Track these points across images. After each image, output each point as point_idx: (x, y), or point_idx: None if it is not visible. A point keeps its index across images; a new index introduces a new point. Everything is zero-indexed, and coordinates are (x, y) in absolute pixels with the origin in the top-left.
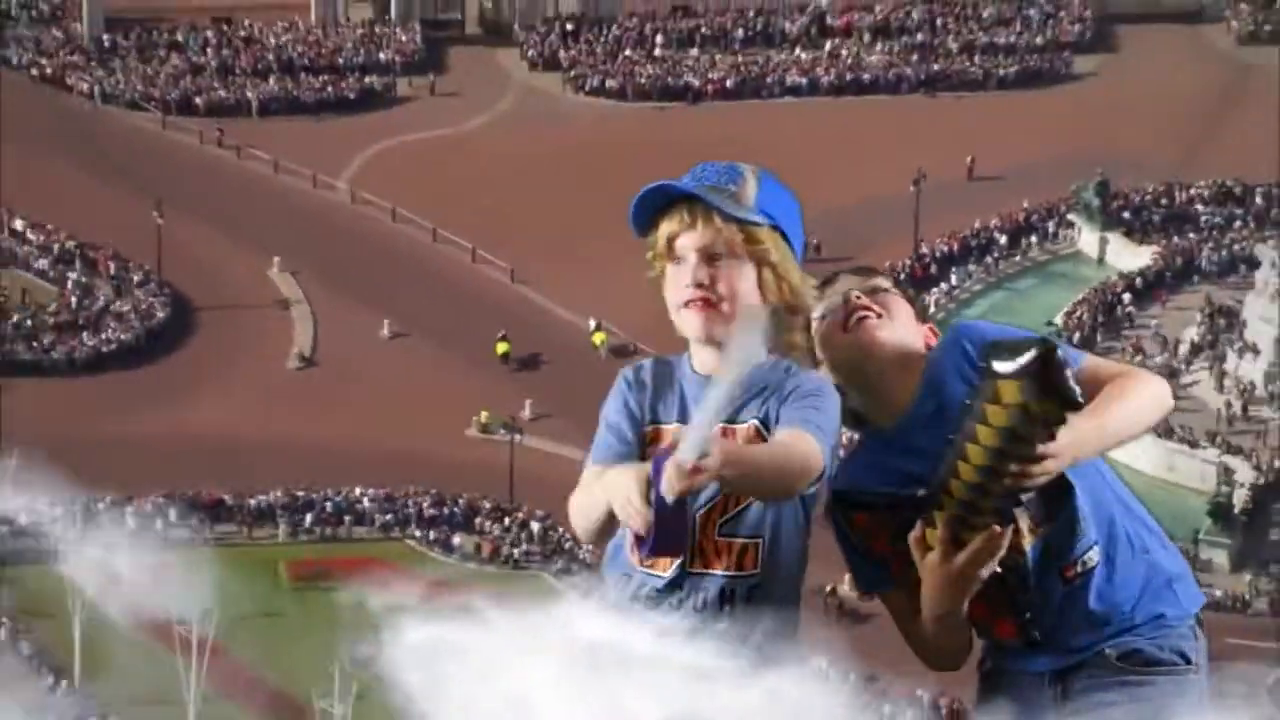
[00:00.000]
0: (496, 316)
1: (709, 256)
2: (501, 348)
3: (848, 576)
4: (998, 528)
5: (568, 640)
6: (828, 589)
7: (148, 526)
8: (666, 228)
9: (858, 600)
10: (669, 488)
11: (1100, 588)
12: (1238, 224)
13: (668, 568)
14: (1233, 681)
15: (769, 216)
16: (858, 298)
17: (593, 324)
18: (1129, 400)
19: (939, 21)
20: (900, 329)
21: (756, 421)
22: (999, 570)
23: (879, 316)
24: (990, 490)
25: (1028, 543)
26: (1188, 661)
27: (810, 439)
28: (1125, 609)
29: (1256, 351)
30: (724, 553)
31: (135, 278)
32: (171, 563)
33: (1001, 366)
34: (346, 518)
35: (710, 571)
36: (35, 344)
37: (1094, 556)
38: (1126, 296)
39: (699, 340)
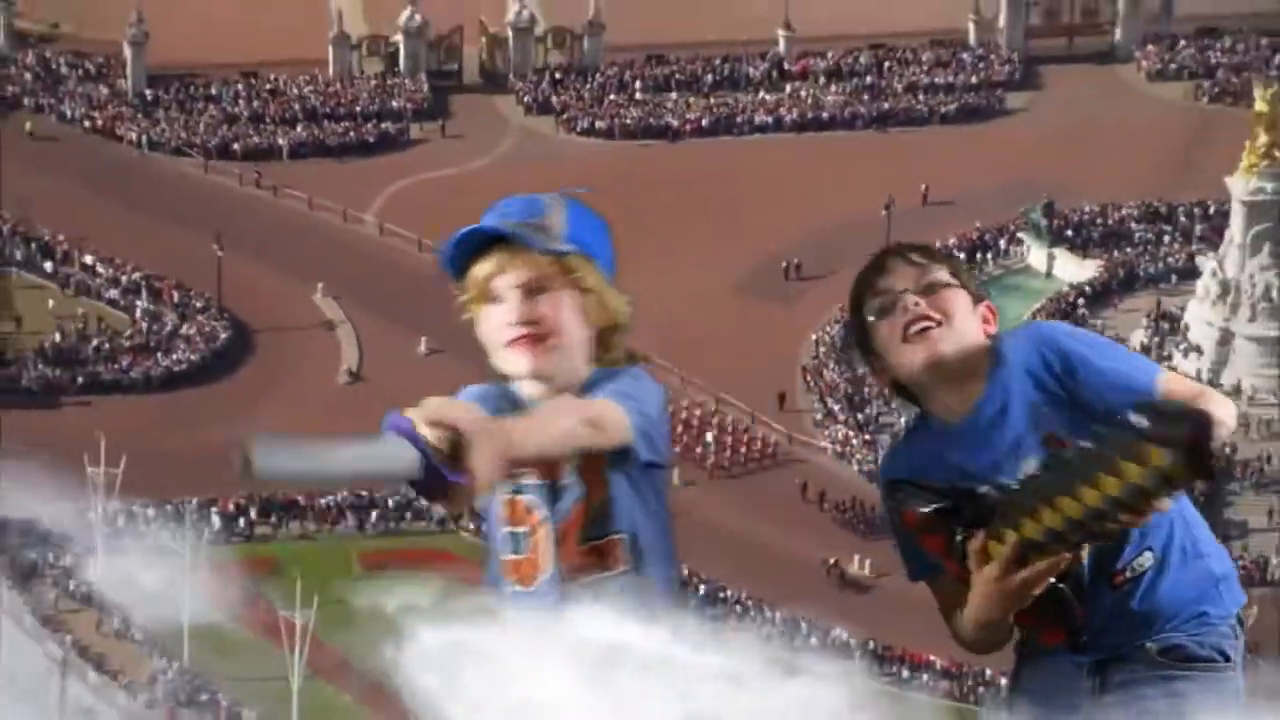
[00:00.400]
0: None
1: (530, 291)
2: None
3: (856, 557)
4: (1068, 554)
5: (585, 641)
6: (831, 562)
7: (230, 526)
8: (482, 269)
9: (862, 576)
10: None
11: (1150, 592)
12: (1167, 239)
13: (532, 582)
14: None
15: (580, 244)
16: (915, 304)
17: None
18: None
19: (884, 65)
20: (962, 332)
21: None
22: (1053, 581)
23: (939, 325)
24: (1088, 529)
25: (1085, 553)
26: (1226, 659)
27: (604, 401)
28: (1172, 611)
29: (1200, 352)
30: (589, 558)
31: (198, 304)
32: (262, 557)
33: (1154, 430)
34: (406, 514)
35: (580, 578)
36: (115, 365)
37: (1145, 561)
38: (1080, 302)
39: (530, 376)
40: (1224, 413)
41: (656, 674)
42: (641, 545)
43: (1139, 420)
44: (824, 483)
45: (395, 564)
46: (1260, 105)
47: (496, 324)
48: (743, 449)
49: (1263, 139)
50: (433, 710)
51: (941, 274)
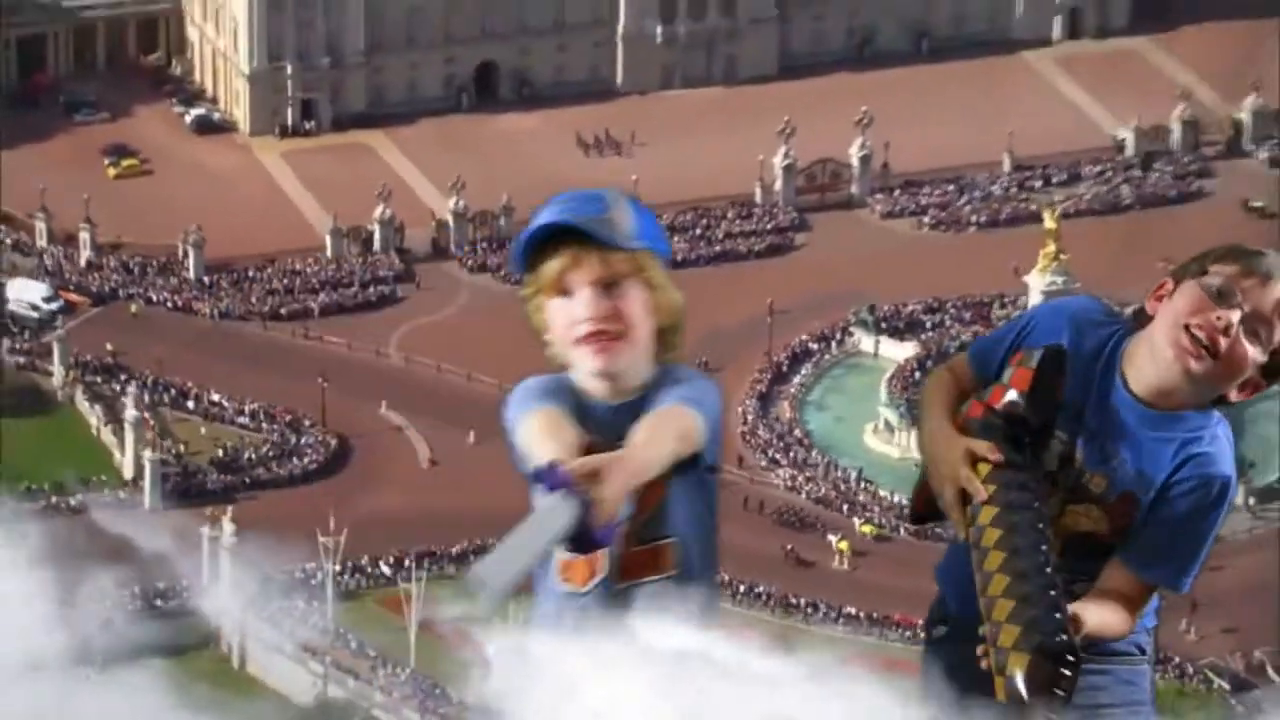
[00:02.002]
0: None
1: (603, 287)
2: None
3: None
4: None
5: (650, 651)
6: (788, 548)
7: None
8: (556, 263)
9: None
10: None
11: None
12: (956, 324)
13: (586, 583)
14: None
15: (648, 239)
16: (1227, 329)
17: None
18: (1117, 623)
19: (704, 220)
20: (1219, 381)
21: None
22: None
23: (1213, 357)
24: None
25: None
26: (1143, 653)
27: (685, 410)
28: None
29: None
30: (641, 560)
31: (306, 422)
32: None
33: (1019, 684)
34: None
35: (633, 581)
36: (265, 469)
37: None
38: (917, 373)
39: (600, 374)
40: (1121, 630)
41: (731, 679)
42: (691, 549)
43: (1031, 673)
44: (759, 498)
45: None
46: (1049, 223)
47: (569, 318)
48: None
49: (1051, 247)
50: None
51: (1274, 339)
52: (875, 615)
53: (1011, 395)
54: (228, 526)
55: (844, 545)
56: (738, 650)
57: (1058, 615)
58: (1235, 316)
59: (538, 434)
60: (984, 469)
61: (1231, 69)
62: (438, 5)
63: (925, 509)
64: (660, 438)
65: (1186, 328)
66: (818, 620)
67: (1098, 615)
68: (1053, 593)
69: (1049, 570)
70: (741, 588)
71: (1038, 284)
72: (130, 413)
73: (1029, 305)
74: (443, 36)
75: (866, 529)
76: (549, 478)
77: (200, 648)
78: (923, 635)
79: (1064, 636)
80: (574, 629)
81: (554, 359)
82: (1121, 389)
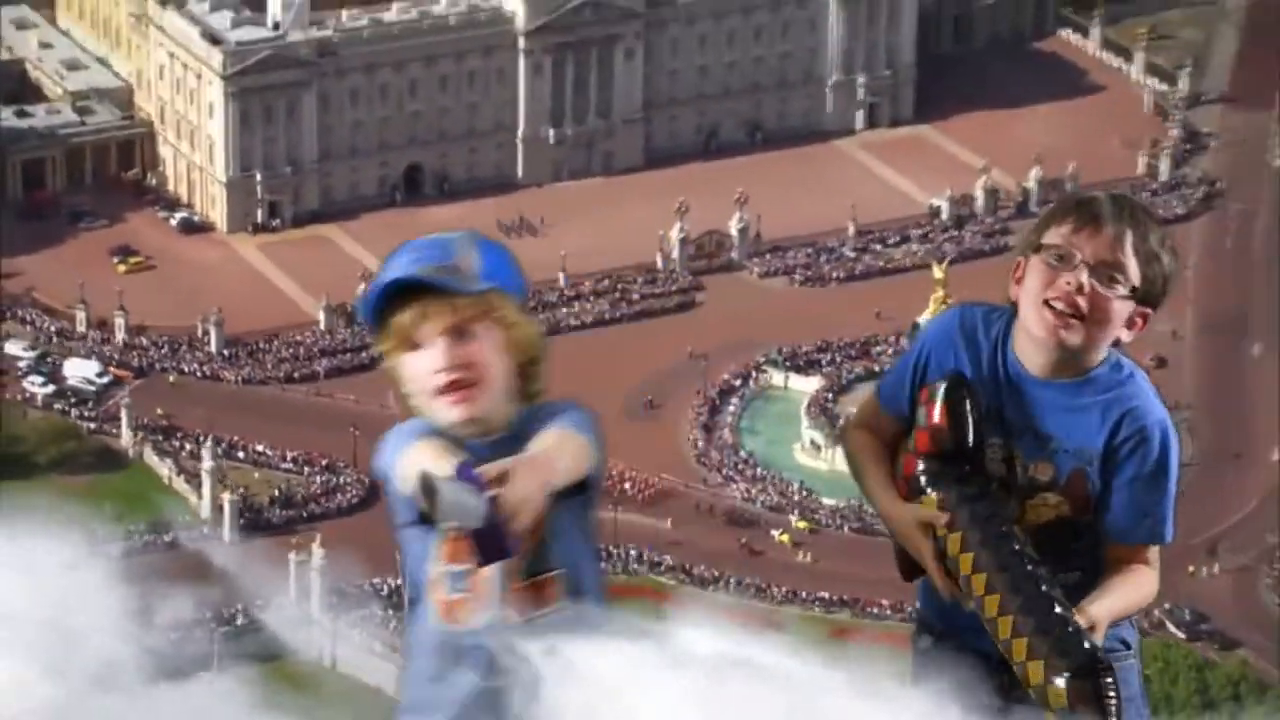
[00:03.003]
0: None
1: (454, 335)
2: None
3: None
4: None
5: (686, 656)
6: (743, 541)
7: None
8: (405, 317)
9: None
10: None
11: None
12: (846, 361)
13: (466, 622)
14: None
15: (496, 280)
16: (1080, 289)
17: None
18: (1136, 597)
19: (619, 286)
20: (1095, 339)
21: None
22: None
23: (1083, 318)
24: (981, 619)
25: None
26: (1128, 647)
27: (572, 432)
28: (1075, 600)
29: None
30: (527, 594)
31: (341, 464)
32: None
33: (1067, 692)
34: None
35: (518, 615)
36: (316, 504)
37: (1072, 577)
38: (828, 398)
39: (461, 424)
40: (1151, 590)
41: (770, 687)
42: (579, 578)
43: (1075, 675)
44: (710, 503)
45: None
46: (937, 274)
47: (423, 371)
48: (652, 490)
49: (940, 293)
50: None
51: (1130, 273)
52: (821, 594)
53: (933, 433)
54: (317, 550)
55: (785, 537)
56: (775, 656)
57: (1069, 626)
58: (1083, 274)
59: (429, 456)
60: (931, 502)
61: (1008, 146)
62: (374, 120)
63: (912, 568)
64: (559, 451)
65: (1046, 303)
66: (774, 598)
67: (1109, 604)
68: (1043, 588)
69: (1030, 567)
70: (705, 574)
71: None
72: (208, 463)
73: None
74: (378, 145)
75: (801, 524)
76: (463, 475)
77: (292, 655)
78: (911, 646)
79: (1085, 644)
80: (460, 669)
81: (418, 413)
82: (1025, 377)
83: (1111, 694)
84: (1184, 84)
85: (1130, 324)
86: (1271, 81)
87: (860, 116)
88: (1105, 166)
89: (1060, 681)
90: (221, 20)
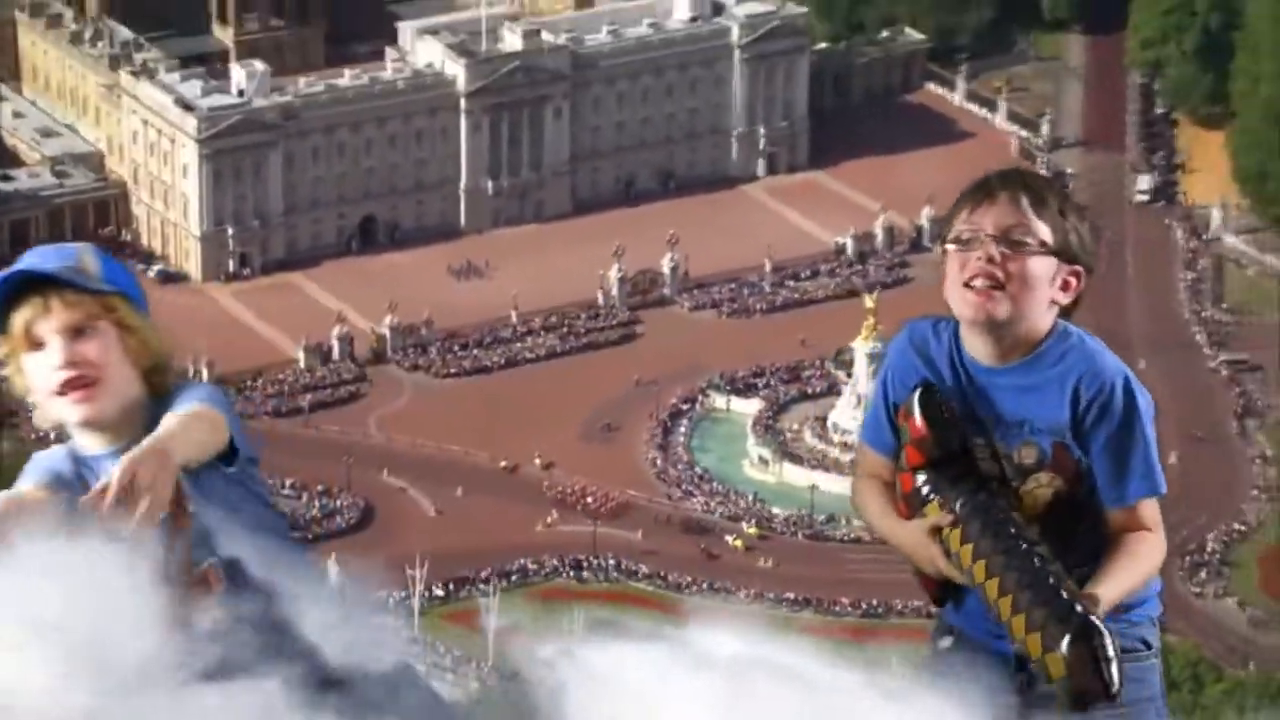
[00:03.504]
0: (516, 486)
1: (73, 334)
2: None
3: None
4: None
5: (710, 659)
6: (702, 546)
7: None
8: (24, 314)
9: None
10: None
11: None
12: (780, 385)
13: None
14: None
15: (117, 284)
16: (991, 258)
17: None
18: (1141, 566)
19: (566, 321)
20: (1023, 303)
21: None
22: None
23: (1002, 289)
24: (989, 608)
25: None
26: (1149, 648)
27: (202, 406)
28: None
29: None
30: (198, 588)
31: (335, 489)
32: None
33: (1068, 657)
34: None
35: (191, 610)
36: (319, 525)
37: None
38: (770, 415)
39: (83, 424)
40: (1157, 560)
41: (795, 689)
42: (239, 564)
43: (1074, 638)
44: (668, 514)
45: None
46: (868, 303)
47: (42, 369)
48: (613, 504)
49: (871, 320)
50: None
51: (1037, 231)
52: (787, 595)
53: (919, 445)
54: (333, 566)
55: (739, 543)
56: (798, 658)
57: (1064, 594)
58: (990, 246)
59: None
60: (934, 509)
61: (894, 188)
62: (333, 176)
63: (938, 588)
64: (186, 423)
65: (966, 285)
66: (742, 599)
67: (1112, 581)
68: (1038, 562)
69: (1027, 546)
70: (679, 581)
71: (862, 349)
72: None
73: (851, 364)
74: (336, 198)
75: (752, 531)
76: (93, 507)
77: None
78: (930, 646)
79: (1078, 608)
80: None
81: (43, 420)
82: (981, 370)
83: (1110, 657)
84: (1046, 129)
85: (1064, 286)
86: (1118, 128)
87: (761, 164)
88: None
89: (1059, 648)
90: (192, 89)
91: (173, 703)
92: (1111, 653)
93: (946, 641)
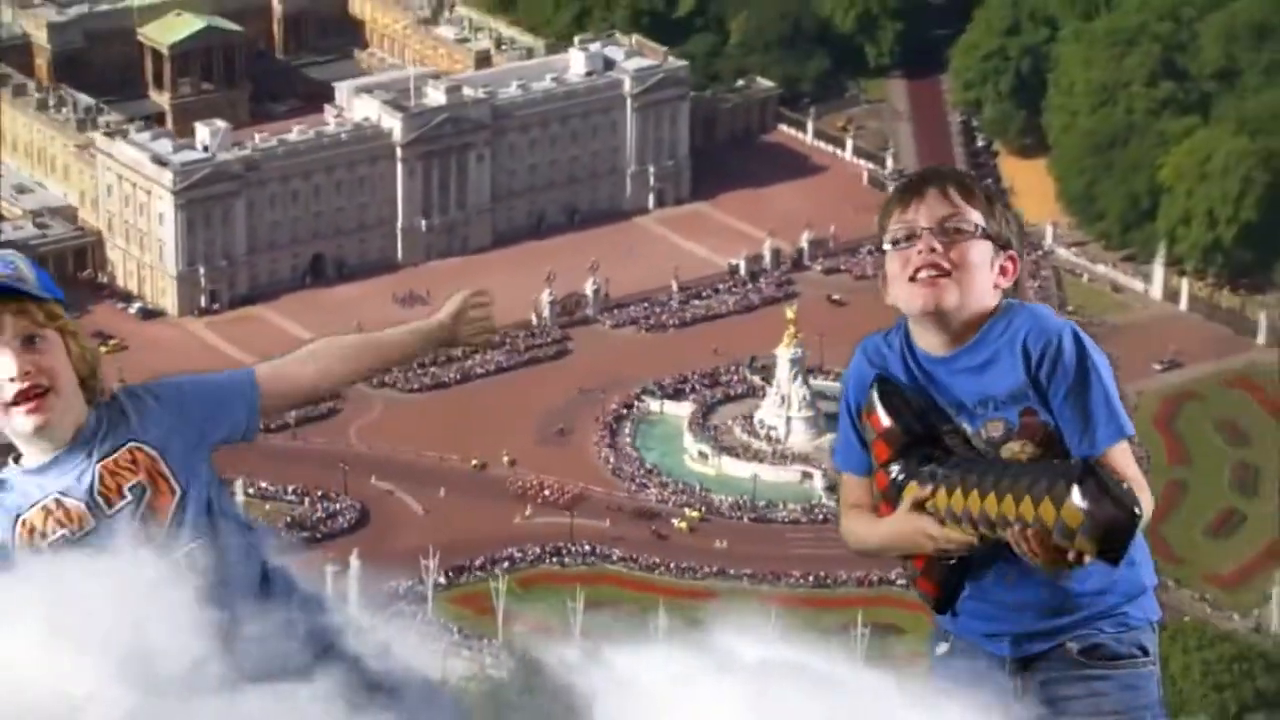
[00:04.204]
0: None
1: (26, 340)
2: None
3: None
4: (974, 539)
5: (734, 661)
6: (653, 528)
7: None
8: None
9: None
10: None
11: (1081, 582)
12: (703, 390)
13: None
14: None
15: (51, 293)
16: (932, 249)
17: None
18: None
19: (507, 341)
20: (969, 288)
21: (135, 444)
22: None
23: (947, 276)
24: (989, 530)
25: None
26: (1146, 654)
27: (202, 380)
28: (1096, 608)
29: (778, 432)
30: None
31: (335, 493)
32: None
33: (1086, 496)
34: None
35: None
36: (323, 526)
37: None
38: (705, 415)
39: (35, 435)
40: (1147, 507)
41: (819, 692)
42: (221, 543)
43: (1079, 481)
44: (618, 505)
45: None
46: (789, 314)
47: None
48: (569, 495)
49: (791, 329)
50: None
51: (971, 218)
52: (745, 571)
53: (886, 437)
54: (354, 561)
55: (683, 525)
56: (822, 661)
57: (1055, 465)
58: (929, 239)
59: None
60: (912, 489)
61: (769, 216)
62: (288, 220)
63: (938, 591)
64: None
65: (911, 280)
66: (680, 574)
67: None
68: (1023, 469)
69: (1006, 466)
70: (648, 562)
71: (785, 355)
72: (240, 496)
73: (766, 370)
74: (290, 239)
75: (694, 514)
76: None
77: None
78: (930, 653)
79: (1072, 461)
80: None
81: None
82: (936, 361)
83: (1120, 482)
84: (890, 162)
85: (1003, 271)
86: (949, 159)
87: (651, 198)
88: (852, 228)
89: (1070, 497)
90: (163, 146)
91: (222, 704)
92: (1122, 482)
93: (943, 648)
